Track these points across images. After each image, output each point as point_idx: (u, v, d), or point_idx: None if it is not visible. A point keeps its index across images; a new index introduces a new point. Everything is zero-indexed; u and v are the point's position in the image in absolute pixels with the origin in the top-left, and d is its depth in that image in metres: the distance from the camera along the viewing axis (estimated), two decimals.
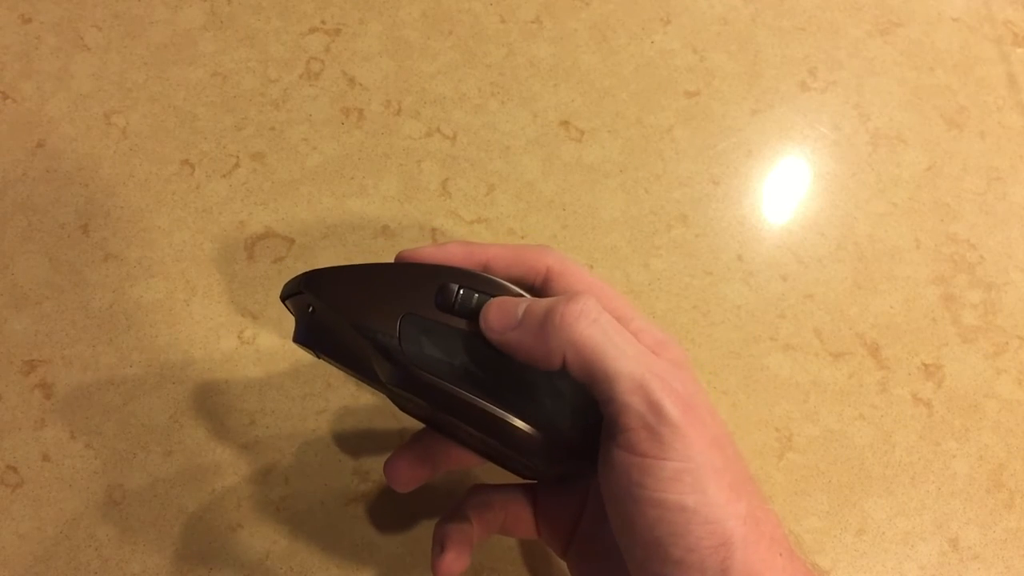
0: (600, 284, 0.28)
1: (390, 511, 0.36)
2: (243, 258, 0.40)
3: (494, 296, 0.27)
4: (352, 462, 0.37)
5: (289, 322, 0.39)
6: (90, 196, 0.41)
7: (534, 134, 0.44)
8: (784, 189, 0.45)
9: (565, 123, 0.45)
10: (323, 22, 0.47)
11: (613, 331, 0.25)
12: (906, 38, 0.50)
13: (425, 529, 0.36)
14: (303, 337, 0.29)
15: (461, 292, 0.27)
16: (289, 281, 0.29)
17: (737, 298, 0.41)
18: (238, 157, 0.42)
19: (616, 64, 0.47)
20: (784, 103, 0.47)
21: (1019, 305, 0.42)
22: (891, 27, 0.50)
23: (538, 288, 0.28)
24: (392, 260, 0.29)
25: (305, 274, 0.28)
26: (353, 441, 0.37)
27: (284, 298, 0.29)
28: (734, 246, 0.43)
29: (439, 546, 0.29)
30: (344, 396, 0.38)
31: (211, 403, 0.37)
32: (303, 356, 0.38)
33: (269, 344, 0.38)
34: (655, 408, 0.23)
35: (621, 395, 0.24)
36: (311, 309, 0.28)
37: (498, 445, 0.26)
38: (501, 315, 0.26)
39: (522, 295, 0.27)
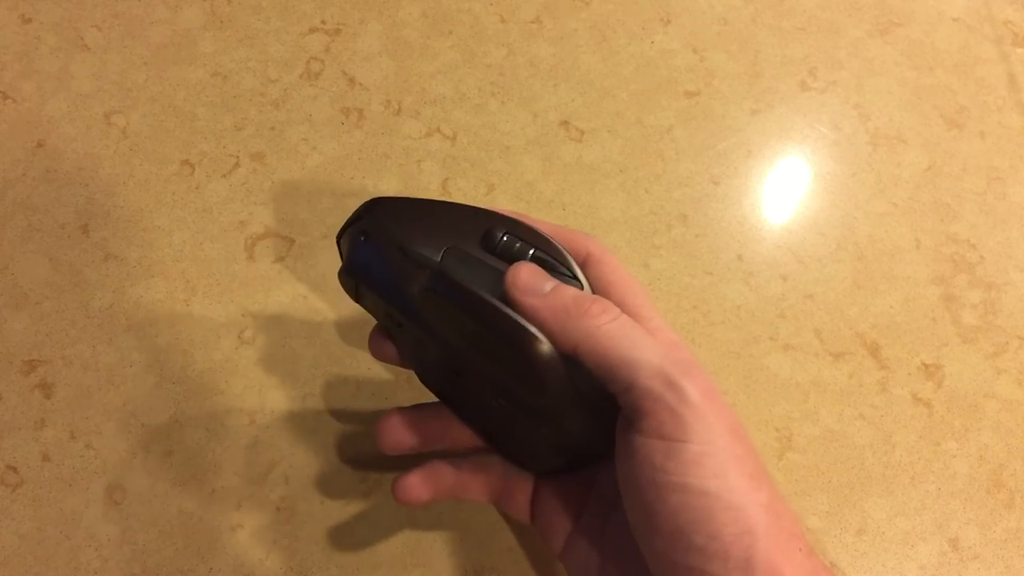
0: (631, 279, 0.29)
1: (390, 511, 0.36)
2: (243, 258, 0.40)
3: (538, 249, 0.28)
4: (352, 462, 0.37)
5: (289, 323, 0.39)
6: (90, 196, 0.41)
7: (534, 134, 0.44)
8: (784, 189, 0.45)
9: (565, 123, 0.45)
10: (323, 22, 0.47)
11: (631, 327, 0.26)
12: (906, 38, 0.50)
13: (425, 530, 0.36)
14: (349, 266, 0.29)
15: (505, 237, 0.28)
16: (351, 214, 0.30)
17: (737, 298, 0.41)
18: (238, 157, 0.42)
19: (616, 64, 0.47)
20: (784, 103, 0.47)
21: (1019, 305, 0.42)
22: (891, 27, 0.50)
23: None
24: None
25: (370, 200, 0.29)
26: (353, 441, 0.37)
27: (344, 229, 0.30)
28: (734, 246, 0.43)
29: (413, 472, 0.30)
30: (344, 396, 0.38)
31: (211, 403, 0.37)
32: (302, 357, 0.38)
33: (269, 344, 0.38)
34: (676, 389, 0.24)
35: (643, 380, 0.24)
36: (363, 238, 0.29)
37: (515, 377, 0.27)
38: (530, 278, 0.26)
39: (568, 259, 0.28)
